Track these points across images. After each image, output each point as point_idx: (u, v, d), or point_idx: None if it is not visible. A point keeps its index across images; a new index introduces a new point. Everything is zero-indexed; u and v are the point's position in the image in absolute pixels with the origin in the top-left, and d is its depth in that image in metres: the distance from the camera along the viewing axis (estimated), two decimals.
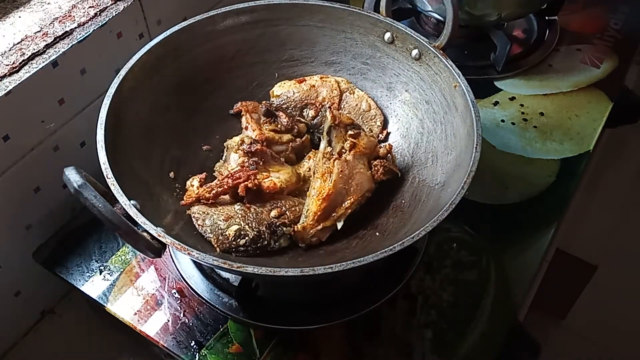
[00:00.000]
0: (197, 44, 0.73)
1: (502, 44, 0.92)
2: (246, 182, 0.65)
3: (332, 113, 0.68)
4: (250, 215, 0.65)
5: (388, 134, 0.76)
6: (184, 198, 0.66)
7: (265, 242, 0.63)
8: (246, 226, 0.63)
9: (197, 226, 0.64)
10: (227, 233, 0.63)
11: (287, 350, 0.64)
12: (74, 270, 0.71)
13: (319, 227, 0.64)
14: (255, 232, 0.63)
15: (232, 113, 0.76)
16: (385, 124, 0.76)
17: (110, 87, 0.63)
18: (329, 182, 0.64)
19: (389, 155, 0.71)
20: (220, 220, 0.64)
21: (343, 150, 0.66)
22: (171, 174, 0.69)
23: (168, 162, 0.69)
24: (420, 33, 0.72)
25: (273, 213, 0.65)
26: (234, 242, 0.62)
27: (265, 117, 0.74)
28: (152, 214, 0.59)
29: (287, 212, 0.66)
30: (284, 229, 0.64)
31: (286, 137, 0.73)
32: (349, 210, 0.65)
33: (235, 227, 0.63)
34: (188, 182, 0.68)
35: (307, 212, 0.65)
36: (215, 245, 0.63)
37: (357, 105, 0.77)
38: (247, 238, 0.63)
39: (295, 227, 0.64)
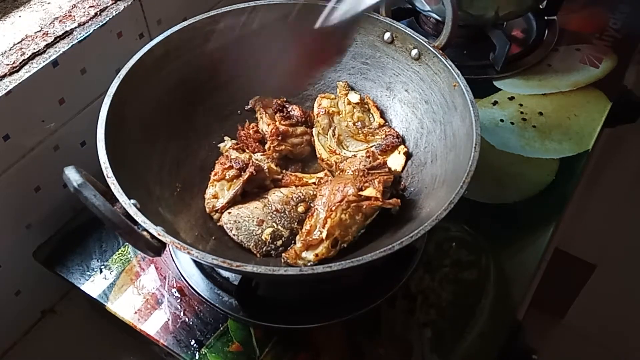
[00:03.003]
0: (197, 44, 0.73)
1: (501, 44, 0.92)
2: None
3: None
4: (280, 215, 0.66)
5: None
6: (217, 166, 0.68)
7: None
8: (279, 227, 0.65)
9: (232, 236, 0.65)
10: (263, 237, 0.64)
11: (287, 349, 0.64)
12: (74, 270, 0.71)
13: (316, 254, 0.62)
14: (288, 231, 0.65)
15: (247, 109, 0.77)
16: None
17: (110, 87, 0.63)
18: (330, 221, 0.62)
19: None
20: (254, 226, 0.65)
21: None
22: (171, 174, 0.69)
23: (168, 162, 0.70)
24: (419, 33, 0.72)
25: (300, 209, 0.67)
26: (271, 245, 0.64)
27: (278, 111, 0.75)
28: (152, 213, 0.59)
29: (312, 204, 0.67)
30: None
31: (300, 129, 0.75)
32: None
33: (270, 230, 0.64)
34: (222, 145, 0.74)
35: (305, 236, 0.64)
36: (255, 252, 0.64)
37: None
38: (283, 238, 0.64)
39: (288, 252, 0.63)
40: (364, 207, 0.62)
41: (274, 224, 0.65)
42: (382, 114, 0.77)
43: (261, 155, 0.72)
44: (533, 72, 0.95)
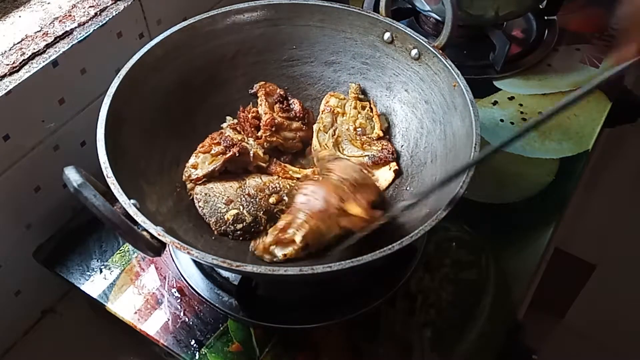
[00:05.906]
0: (197, 44, 0.73)
1: (501, 44, 0.92)
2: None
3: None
4: (251, 200, 0.67)
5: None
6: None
7: (261, 228, 0.66)
8: (244, 211, 0.66)
9: (197, 208, 0.67)
10: (226, 217, 0.65)
11: (286, 349, 0.64)
12: (74, 270, 0.71)
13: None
14: (251, 218, 0.66)
15: (251, 93, 0.77)
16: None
17: (110, 87, 0.63)
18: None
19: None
20: (221, 203, 0.66)
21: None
22: (171, 174, 0.69)
23: (168, 162, 0.70)
24: (419, 33, 0.72)
25: (272, 199, 0.67)
26: (231, 226, 0.65)
27: (279, 102, 0.75)
28: (152, 213, 0.59)
29: (285, 197, 0.67)
30: (281, 215, 0.66)
31: (296, 124, 0.75)
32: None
33: (234, 212, 0.66)
34: (224, 125, 0.74)
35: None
36: (214, 228, 0.65)
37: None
38: (244, 223, 0.65)
39: (256, 244, 0.64)
40: (344, 222, 0.61)
41: (241, 207, 0.66)
42: (388, 128, 0.77)
43: (253, 141, 0.73)
44: (533, 72, 0.95)
